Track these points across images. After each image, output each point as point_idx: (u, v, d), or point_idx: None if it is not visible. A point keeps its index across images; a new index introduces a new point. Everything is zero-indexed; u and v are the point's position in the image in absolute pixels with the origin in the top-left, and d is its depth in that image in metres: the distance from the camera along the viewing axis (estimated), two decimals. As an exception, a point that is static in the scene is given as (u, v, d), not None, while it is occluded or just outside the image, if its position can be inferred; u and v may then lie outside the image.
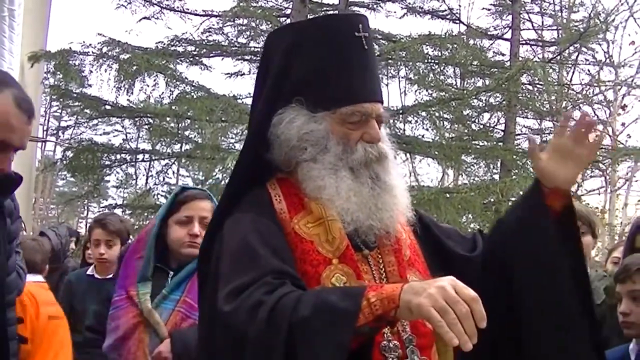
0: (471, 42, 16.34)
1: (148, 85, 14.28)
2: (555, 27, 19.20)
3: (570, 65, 20.16)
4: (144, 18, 15.42)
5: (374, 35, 2.90)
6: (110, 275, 6.07)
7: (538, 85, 16.37)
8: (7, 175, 3.18)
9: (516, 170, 14.90)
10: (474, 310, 2.11)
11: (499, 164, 15.37)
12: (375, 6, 16.10)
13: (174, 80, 14.19)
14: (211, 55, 15.62)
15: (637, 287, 3.73)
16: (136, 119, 15.64)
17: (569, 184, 2.82)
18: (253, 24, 15.34)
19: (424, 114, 14.39)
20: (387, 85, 19.41)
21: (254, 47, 15.97)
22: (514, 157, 14.92)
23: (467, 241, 3.04)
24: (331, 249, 2.60)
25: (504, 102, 16.00)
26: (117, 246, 6.09)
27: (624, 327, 3.78)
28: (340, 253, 2.60)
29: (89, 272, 6.24)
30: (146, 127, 15.80)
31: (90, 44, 14.22)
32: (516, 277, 2.75)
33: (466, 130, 17.62)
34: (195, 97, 13.93)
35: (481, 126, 18.18)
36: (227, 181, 3.12)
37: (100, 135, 34.17)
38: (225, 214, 2.76)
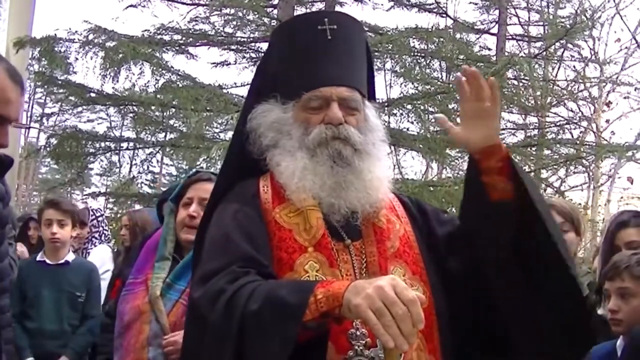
0: (457, 36, 16.35)
1: (134, 74, 14.23)
2: (541, 23, 19.27)
3: (555, 61, 20.19)
4: (131, 6, 15.38)
5: (346, 25, 2.94)
6: (62, 261, 6.06)
7: (523, 81, 16.40)
8: None
9: (500, 165, 14.92)
10: (411, 312, 2.12)
11: (483, 158, 15.37)
12: (362, -2, 16.09)
13: (160, 69, 14.13)
14: (197, 44, 15.55)
15: (625, 285, 3.74)
16: (121, 107, 15.57)
17: (491, 139, 2.74)
18: (240, 14, 15.28)
19: (409, 107, 14.39)
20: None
21: (241, 37, 15.94)
22: (498, 151, 14.93)
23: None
24: (308, 237, 2.67)
25: (489, 97, 16.02)
26: (68, 227, 6.07)
27: (612, 324, 3.79)
28: (316, 241, 2.66)
29: (38, 257, 6.17)
30: (131, 115, 15.75)
31: (76, 31, 14.16)
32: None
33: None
34: (180, 86, 13.89)
35: (466, 120, 18.17)
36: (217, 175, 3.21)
37: (85, 122, 34.15)
38: (215, 205, 2.86)
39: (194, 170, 4.59)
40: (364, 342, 2.53)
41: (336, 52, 2.85)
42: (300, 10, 15.13)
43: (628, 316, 3.74)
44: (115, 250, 8.51)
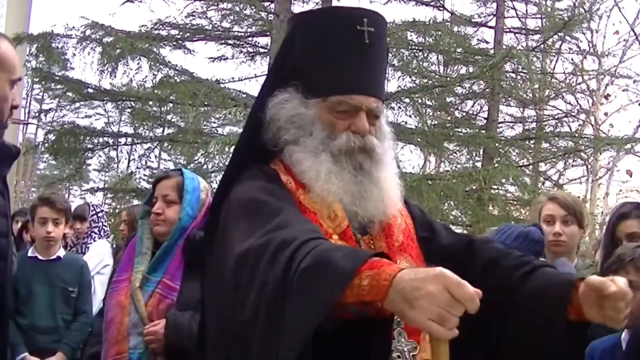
0: (455, 29, 16.33)
1: (131, 69, 14.23)
2: (539, 16, 19.17)
3: (553, 54, 20.14)
4: (128, 1, 15.32)
5: (381, 28, 2.88)
6: (54, 256, 6.04)
7: (521, 74, 16.38)
8: (6, 147, 3.30)
9: (498, 158, 14.93)
10: (469, 309, 1.98)
11: (481, 152, 15.39)
12: (359, -8, 16.05)
13: (157, 64, 14.11)
14: (194, 39, 15.55)
15: (631, 278, 3.69)
16: (119, 103, 15.58)
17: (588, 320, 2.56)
18: (237, 8, 15.26)
19: (407, 100, 14.40)
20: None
21: (238, 32, 15.92)
22: (497, 144, 14.96)
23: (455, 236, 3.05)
24: (332, 225, 2.65)
25: (487, 90, 16.04)
26: (62, 225, 6.05)
27: None
28: (341, 230, 2.64)
29: (30, 253, 6.11)
30: (129, 110, 15.73)
31: (73, 27, 14.16)
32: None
33: (449, 118, 17.65)
34: (178, 81, 13.88)
35: (464, 113, 18.20)
36: (226, 165, 3.16)
37: (83, 118, 34.06)
38: (230, 184, 2.77)
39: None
40: None
41: (371, 59, 2.79)
42: (297, 5, 15.09)
43: (634, 309, 3.70)
44: (115, 245, 8.50)
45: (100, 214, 8.20)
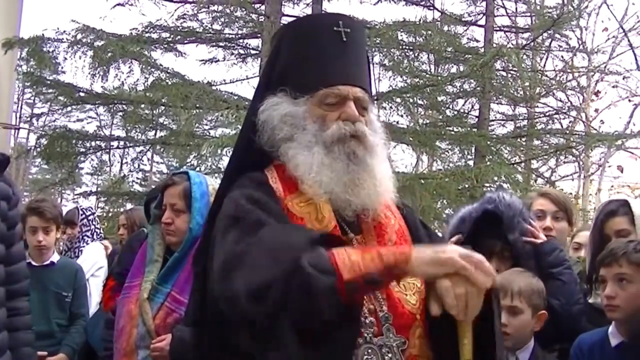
0: (445, 28, 16.36)
1: (122, 72, 14.22)
2: (529, 14, 19.25)
3: (543, 52, 20.23)
4: (118, 4, 15.35)
5: (357, 30, 3.00)
6: (48, 262, 6.04)
7: (512, 72, 16.43)
8: None
9: (490, 156, 14.96)
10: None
11: (473, 150, 15.43)
12: (349, -8, 16.08)
13: (149, 67, 14.12)
14: (186, 41, 15.56)
15: (623, 271, 3.73)
16: (110, 106, 15.58)
17: None
18: (228, 11, 15.28)
19: (398, 100, 14.42)
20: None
21: (229, 34, 15.94)
22: (488, 142, 14.98)
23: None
24: (320, 227, 2.69)
25: (478, 88, 16.07)
26: (53, 232, 6.03)
27: (608, 310, 3.79)
28: (328, 232, 2.66)
29: None
30: (121, 114, 15.75)
31: (64, 31, 14.15)
32: None
33: (440, 117, 17.68)
34: (169, 83, 13.88)
35: (455, 112, 18.23)
36: (224, 169, 3.21)
37: (74, 122, 34.16)
38: (224, 196, 2.83)
39: (173, 170, 4.75)
40: (372, 330, 2.55)
41: (350, 54, 2.91)
42: (287, 7, 15.15)
43: (625, 302, 3.74)
44: (111, 249, 8.51)
45: (90, 217, 8.20)
